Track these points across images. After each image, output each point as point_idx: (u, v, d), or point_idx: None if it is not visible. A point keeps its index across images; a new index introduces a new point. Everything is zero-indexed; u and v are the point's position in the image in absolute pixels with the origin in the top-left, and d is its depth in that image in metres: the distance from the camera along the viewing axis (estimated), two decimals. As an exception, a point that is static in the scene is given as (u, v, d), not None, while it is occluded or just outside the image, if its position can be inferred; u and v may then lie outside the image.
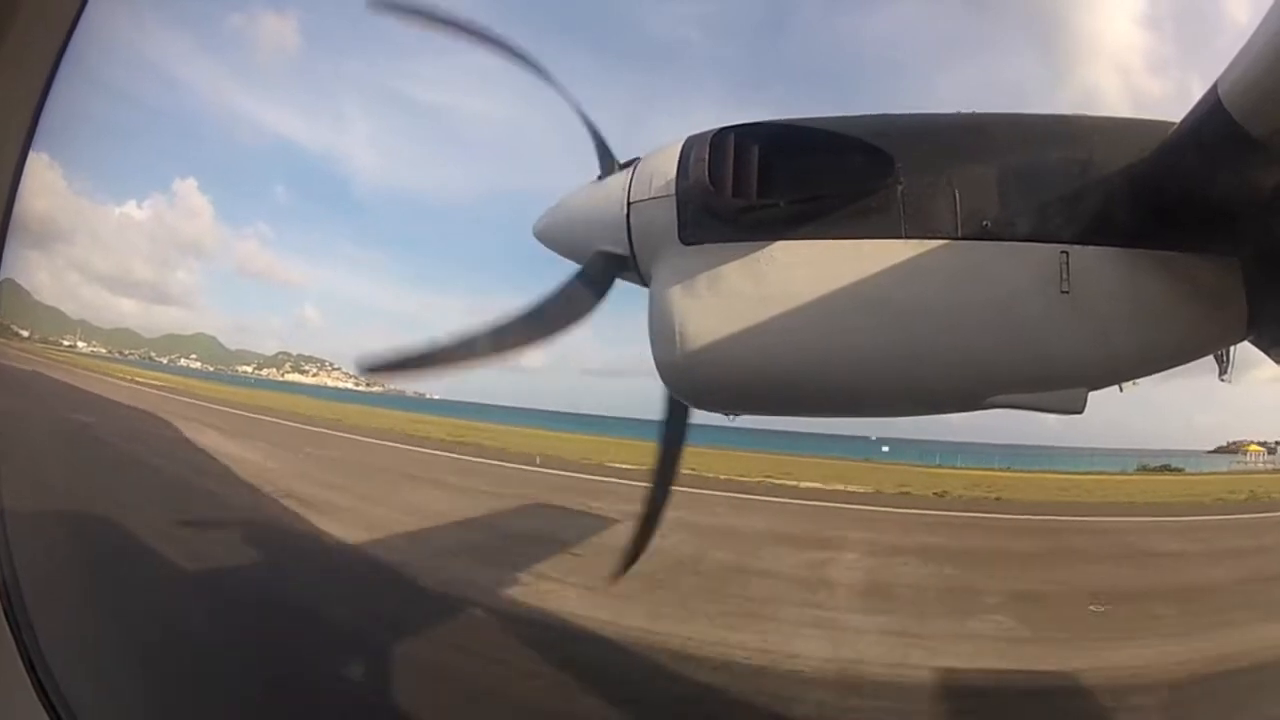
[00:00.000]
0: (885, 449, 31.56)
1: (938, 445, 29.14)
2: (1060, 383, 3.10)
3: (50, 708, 2.73)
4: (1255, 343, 3.35)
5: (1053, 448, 30.59)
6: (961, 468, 28.60)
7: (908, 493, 21.73)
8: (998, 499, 21.38)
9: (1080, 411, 3.10)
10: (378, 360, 3.69)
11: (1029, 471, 29.08)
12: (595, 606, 9.14)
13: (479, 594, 9.31)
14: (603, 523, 13.36)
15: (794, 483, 22.10)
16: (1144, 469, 32.27)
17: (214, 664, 6.24)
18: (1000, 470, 28.40)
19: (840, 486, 22.30)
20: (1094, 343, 3.11)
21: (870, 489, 22.24)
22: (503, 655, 7.59)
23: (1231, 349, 3.37)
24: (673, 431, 4.16)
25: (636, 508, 4.38)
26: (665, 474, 4.31)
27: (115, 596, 7.31)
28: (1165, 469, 32.28)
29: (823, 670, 8.02)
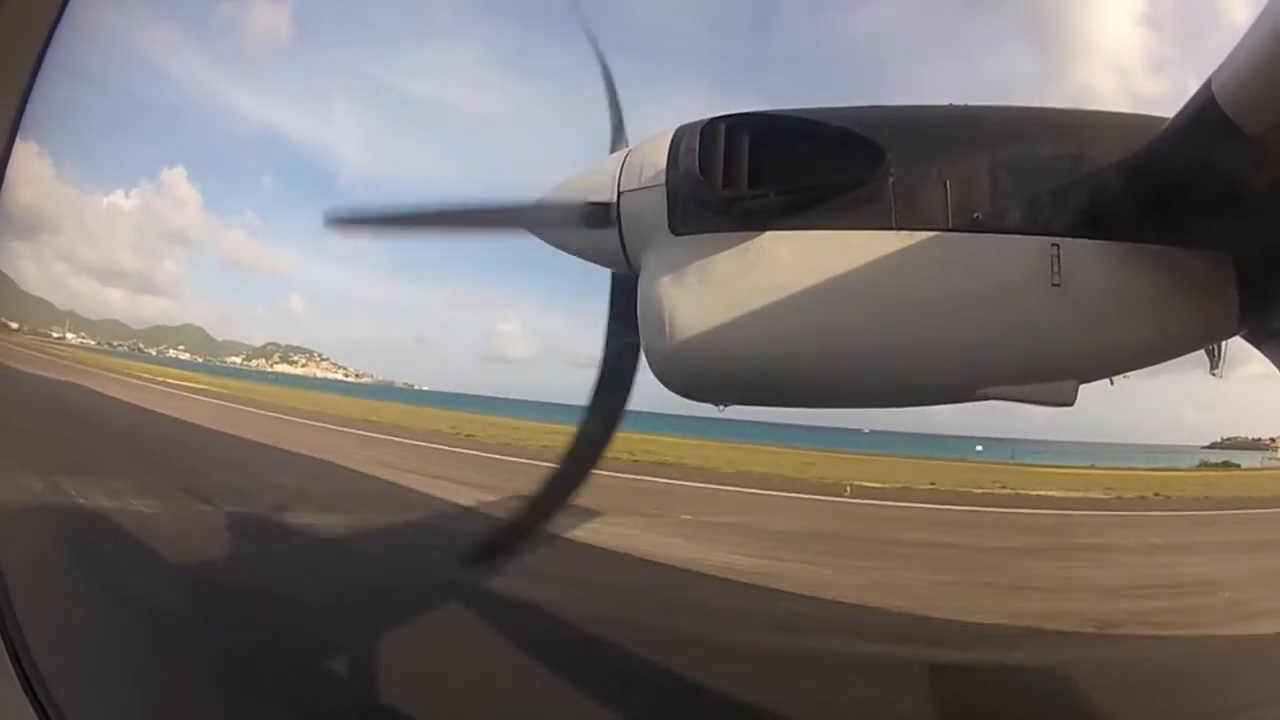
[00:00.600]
0: (979, 448, 31.84)
1: (1018, 443, 29.44)
2: (1051, 375, 3.10)
3: (38, 705, 2.71)
4: (1247, 338, 3.35)
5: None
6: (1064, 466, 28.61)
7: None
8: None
9: (1070, 404, 3.10)
10: (345, 214, 3.85)
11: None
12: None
13: (471, 588, 9.24)
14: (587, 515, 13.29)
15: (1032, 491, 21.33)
16: (1205, 465, 32.45)
17: (204, 662, 6.19)
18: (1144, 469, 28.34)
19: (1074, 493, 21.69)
20: (1085, 336, 3.11)
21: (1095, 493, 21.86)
22: (493, 650, 7.55)
23: (1223, 344, 3.36)
24: (604, 417, 4.19)
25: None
26: (584, 458, 4.29)
27: (103, 593, 7.28)
28: (1226, 465, 32.21)
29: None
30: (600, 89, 4.47)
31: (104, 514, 10.41)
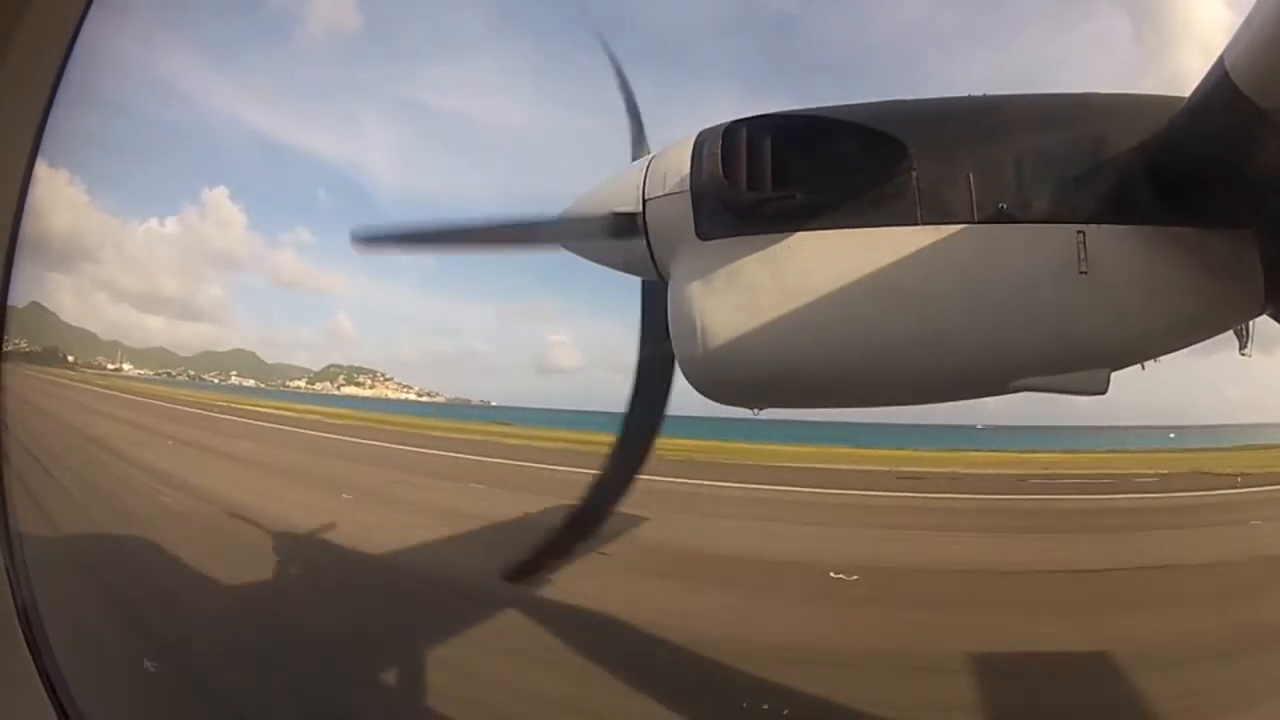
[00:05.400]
0: (1172, 435, 31.85)
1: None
2: (1082, 364, 3.07)
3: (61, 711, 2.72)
4: (1274, 316, 3.31)
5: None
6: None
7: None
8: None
9: (1103, 392, 3.08)
10: (372, 233, 3.87)
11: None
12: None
13: (506, 596, 9.21)
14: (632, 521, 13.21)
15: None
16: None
17: (233, 685, 6.23)
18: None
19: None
20: (1114, 322, 3.09)
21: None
22: (528, 654, 7.52)
23: (1250, 323, 3.34)
24: (644, 421, 4.17)
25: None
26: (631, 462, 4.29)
27: (133, 618, 7.37)
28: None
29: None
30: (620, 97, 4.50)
31: (135, 542, 10.50)
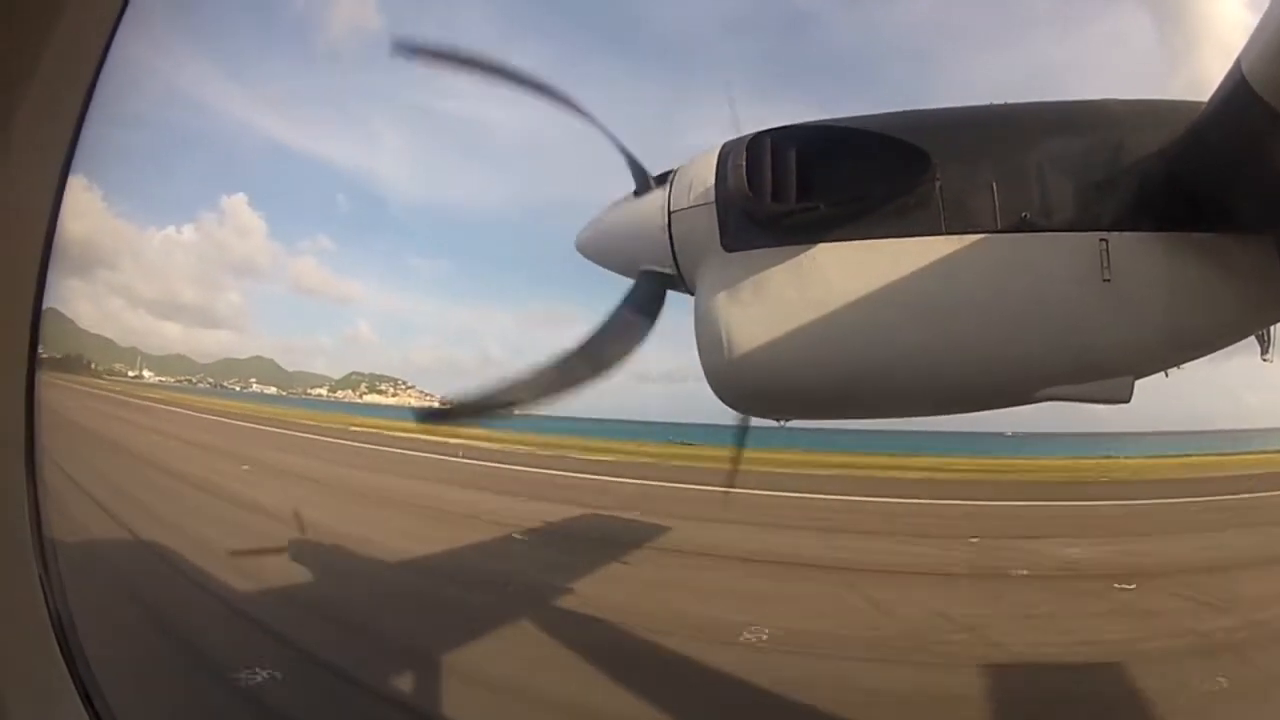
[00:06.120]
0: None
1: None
2: (1107, 372, 3.08)
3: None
4: None
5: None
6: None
7: None
8: None
9: (1127, 400, 3.09)
10: (442, 410, 3.80)
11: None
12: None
13: (531, 605, 9.23)
14: (655, 531, 13.16)
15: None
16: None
17: (272, 691, 6.27)
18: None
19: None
20: (1137, 331, 3.09)
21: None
22: (553, 662, 7.53)
23: (1272, 328, 3.33)
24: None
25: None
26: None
27: (170, 627, 7.44)
28: None
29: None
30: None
31: (168, 549, 10.59)
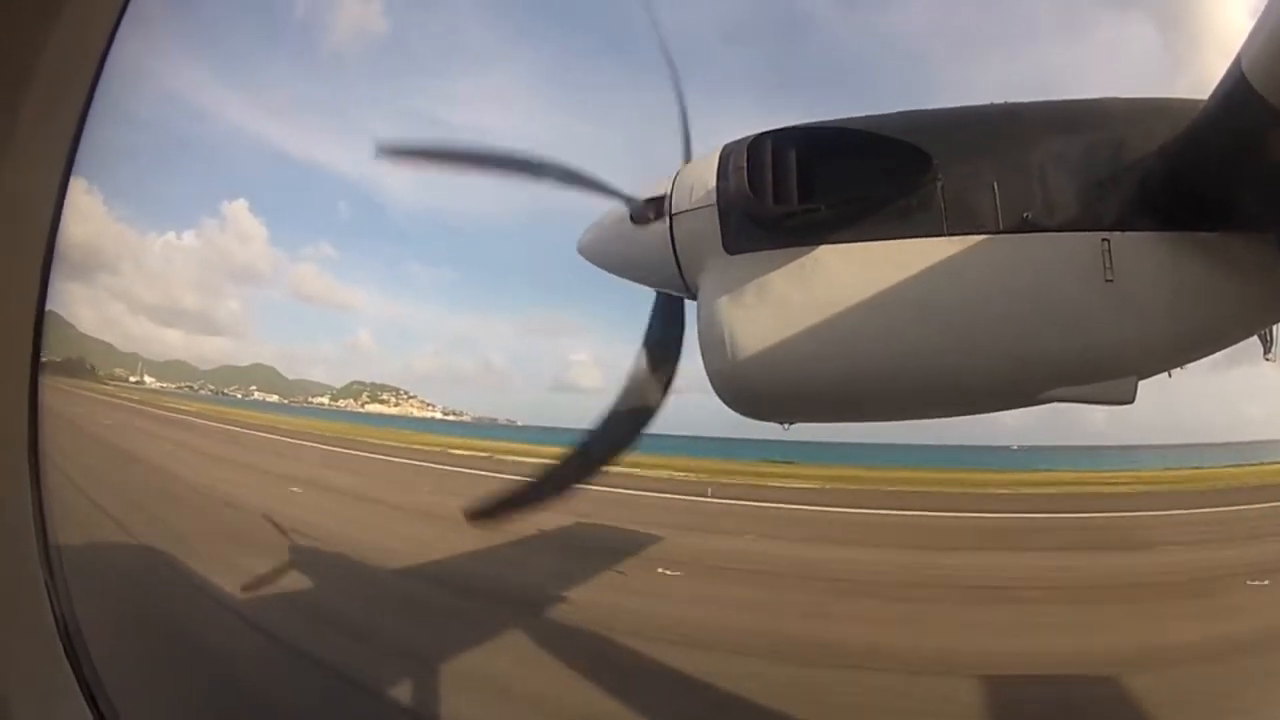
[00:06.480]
0: None
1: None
2: (1110, 373, 3.07)
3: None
4: None
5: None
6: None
7: None
8: None
9: (1131, 401, 3.08)
10: (484, 508, 3.99)
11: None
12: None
13: (525, 611, 9.22)
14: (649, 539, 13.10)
15: None
16: None
17: (274, 694, 6.27)
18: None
19: None
20: (1140, 331, 3.08)
21: None
22: (546, 669, 7.52)
23: (1275, 328, 3.32)
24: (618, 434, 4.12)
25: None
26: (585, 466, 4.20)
27: (174, 630, 7.44)
28: None
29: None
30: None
31: (171, 553, 10.61)
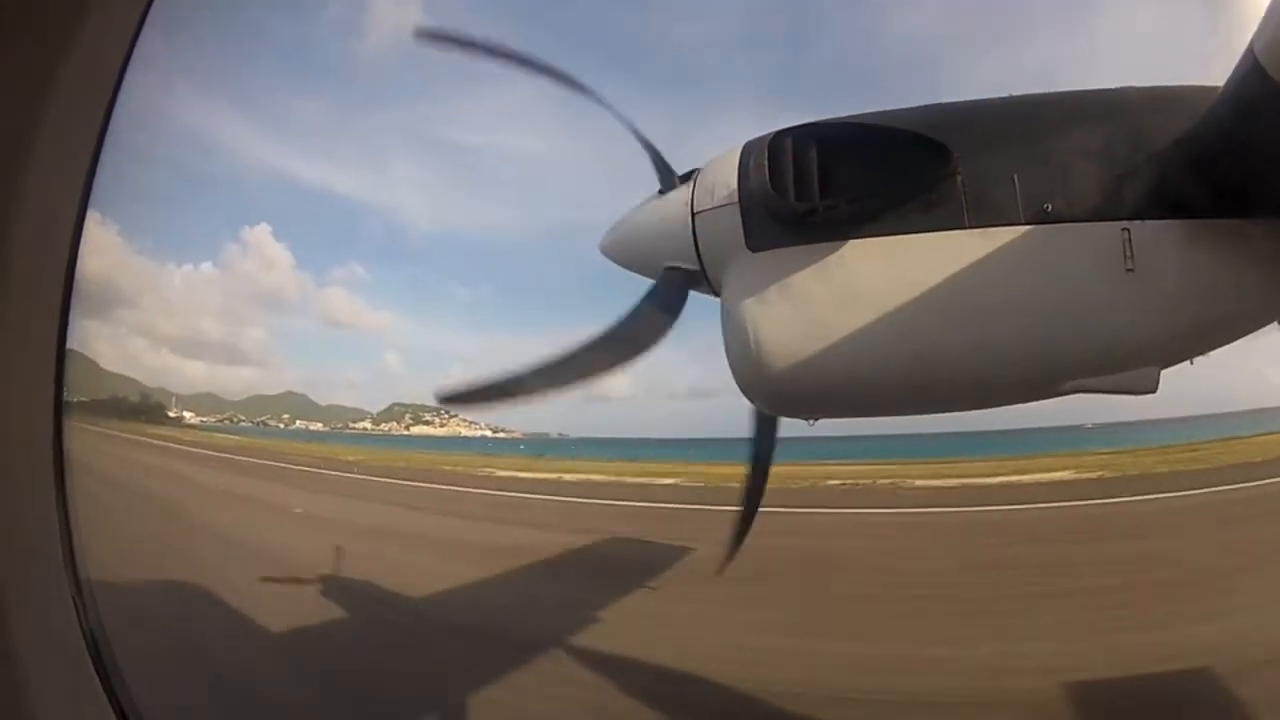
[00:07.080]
0: None
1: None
2: (1132, 362, 3.08)
3: None
4: None
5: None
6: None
7: None
8: None
9: (1154, 391, 3.09)
10: (456, 391, 3.83)
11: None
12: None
13: (558, 632, 9.13)
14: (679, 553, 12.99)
15: None
16: None
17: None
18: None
19: None
20: (1162, 319, 3.09)
21: None
22: (578, 692, 7.46)
23: None
24: (762, 443, 4.23)
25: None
26: (756, 485, 4.43)
27: (208, 657, 7.51)
28: None
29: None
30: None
31: (204, 584, 10.70)
